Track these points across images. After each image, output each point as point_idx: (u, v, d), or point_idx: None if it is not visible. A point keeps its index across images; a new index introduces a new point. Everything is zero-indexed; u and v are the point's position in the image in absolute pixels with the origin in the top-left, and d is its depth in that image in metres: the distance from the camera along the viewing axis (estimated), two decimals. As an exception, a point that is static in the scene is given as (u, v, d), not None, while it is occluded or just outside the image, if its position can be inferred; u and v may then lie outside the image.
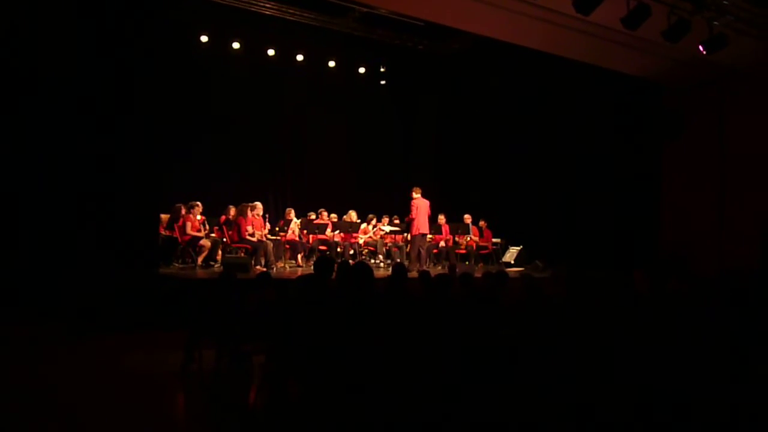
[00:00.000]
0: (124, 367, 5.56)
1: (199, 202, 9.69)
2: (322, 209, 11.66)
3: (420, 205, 10.36)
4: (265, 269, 9.15)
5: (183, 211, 9.57)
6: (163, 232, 9.49)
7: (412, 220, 10.42)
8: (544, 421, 3.29)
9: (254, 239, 9.63)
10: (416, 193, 10.46)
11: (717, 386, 3.14)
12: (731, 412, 3.08)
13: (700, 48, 8.15)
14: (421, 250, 10.52)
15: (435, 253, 12.02)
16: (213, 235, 10.14)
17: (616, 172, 11.26)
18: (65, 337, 6.57)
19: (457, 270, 8.69)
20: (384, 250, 11.80)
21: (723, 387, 3.15)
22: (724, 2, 7.78)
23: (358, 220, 11.70)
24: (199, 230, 9.64)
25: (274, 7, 11.48)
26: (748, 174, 9.76)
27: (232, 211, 10.05)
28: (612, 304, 4.14)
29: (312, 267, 5.99)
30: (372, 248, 11.87)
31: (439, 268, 11.35)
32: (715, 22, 7.99)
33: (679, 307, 4.23)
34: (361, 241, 11.65)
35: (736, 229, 9.84)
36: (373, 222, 11.99)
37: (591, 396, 3.28)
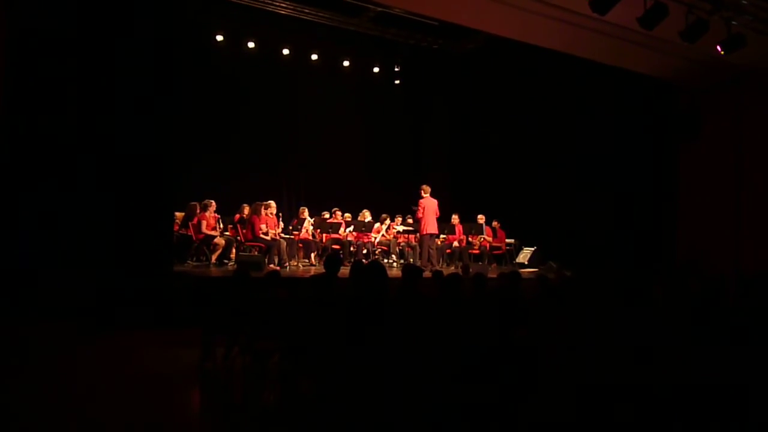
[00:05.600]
0: (138, 365, 5.60)
1: (213, 201, 9.75)
2: (336, 208, 11.70)
3: (427, 205, 10.36)
4: (277, 268, 9.19)
5: (197, 210, 9.64)
6: (177, 230, 9.56)
7: (420, 219, 10.44)
8: (558, 422, 3.28)
9: (268, 238, 9.69)
10: (424, 193, 10.47)
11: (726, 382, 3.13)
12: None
13: (718, 48, 8.08)
14: (431, 250, 10.52)
15: (448, 253, 12.01)
16: (227, 233, 10.20)
17: (632, 173, 11.18)
18: (79, 334, 6.62)
19: (470, 270, 8.68)
20: (397, 249, 11.81)
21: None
22: (743, 2, 7.70)
23: (372, 220, 11.71)
24: (213, 228, 9.70)
25: (290, 6, 11.53)
26: (766, 176, 9.65)
27: (246, 209, 10.11)
28: (625, 305, 4.12)
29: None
30: (385, 248, 11.89)
31: (453, 268, 11.33)
32: (734, 22, 7.90)
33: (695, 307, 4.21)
34: (374, 241, 11.67)
35: (753, 231, 9.74)
36: (387, 221, 12.00)
37: (607, 397, 3.27)
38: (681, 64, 9.52)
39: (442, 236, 11.52)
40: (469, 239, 12.09)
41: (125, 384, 5.02)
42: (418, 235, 11.57)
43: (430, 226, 10.38)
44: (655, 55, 9.22)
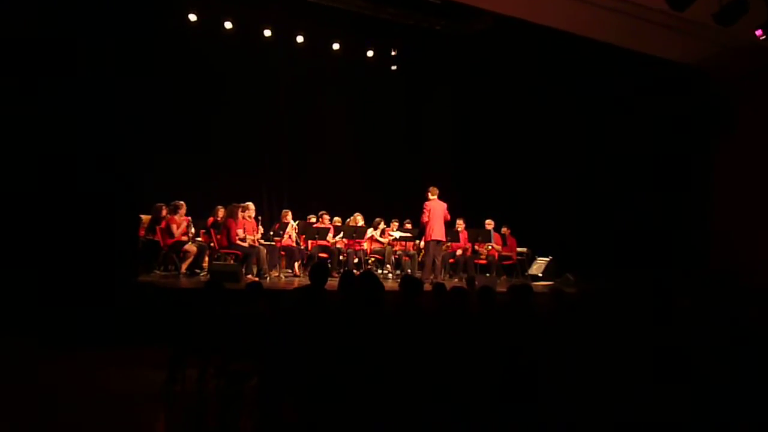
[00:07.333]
0: (99, 386, 5.60)
1: (183, 202, 9.74)
2: (323, 212, 11.68)
3: (434, 207, 10.37)
4: (257, 278, 9.19)
5: (164, 212, 9.63)
6: (143, 236, 9.54)
7: (425, 224, 10.45)
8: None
9: (245, 244, 9.68)
10: (432, 194, 10.48)
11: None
12: None
13: (758, 33, 8.12)
14: (436, 259, 10.54)
15: (451, 263, 12.02)
16: (199, 239, 10.19)
17: (660, 172, 11.22)
18: (34, 352, 6.61)
19: (476, 283, 8.70)
20: (393, 258, 11.80)
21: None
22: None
23: (364, 225, 11.70)
24: (184, 234, 9.69)
25: (272, -19, 11.56)
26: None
27: (221, 212, 10.10)
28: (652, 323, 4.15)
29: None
30: (379, 256, 11.88)
31: (456, 280, 11.34)
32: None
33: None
34: (366, 248, 11.67)
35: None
36: (381, 227, 12.00)
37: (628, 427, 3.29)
38: (713, 49, 9.57)
39: (445, 244, 11.51)
40: (475, 247, 12.10)
41: (85, 407, 5.01)
42: (418, 242, 11.58)
43: (437, 231, 10.38)
44: (683, 39, 9.28)
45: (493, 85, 13.94)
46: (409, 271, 11.36)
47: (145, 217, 9.68)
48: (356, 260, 11.18)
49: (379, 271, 11.68)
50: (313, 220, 11.61)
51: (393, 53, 14.15)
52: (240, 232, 9.71)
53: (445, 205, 10.52)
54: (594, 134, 12.10)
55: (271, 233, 10.97)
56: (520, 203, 12.87)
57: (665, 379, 3.47)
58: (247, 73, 12.79)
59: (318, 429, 3.92)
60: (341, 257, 11.11)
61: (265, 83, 13.05)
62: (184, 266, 9.54)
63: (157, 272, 9.52)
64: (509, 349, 4.07)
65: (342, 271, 10.28)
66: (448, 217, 10.67)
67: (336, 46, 13.46)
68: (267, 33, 12.63)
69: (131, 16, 8.29)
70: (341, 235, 11.38)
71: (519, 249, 12.50)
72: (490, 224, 12.10)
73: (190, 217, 9.98)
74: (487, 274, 11.68)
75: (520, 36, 11.40)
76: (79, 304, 7.12)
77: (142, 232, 9.55)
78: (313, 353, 3.93)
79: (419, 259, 11.58)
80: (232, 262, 9.70)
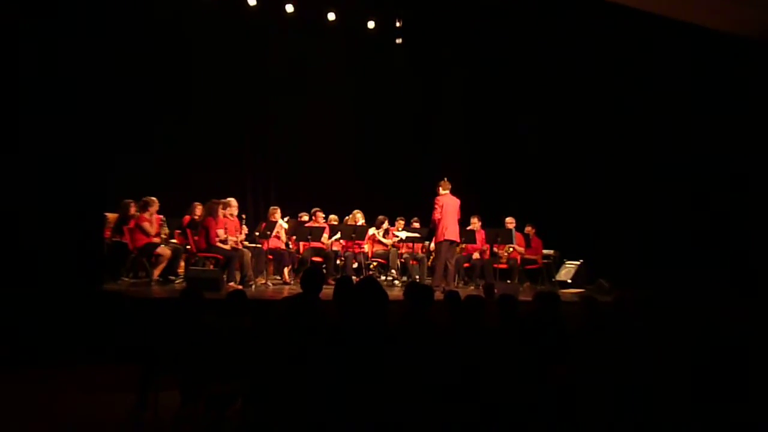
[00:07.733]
0: (59, 411, 5.60)
1: (155, 198, 9.74)
2: (317, 209, 11.67)
3: (446, 203, 10.33)
4: (240, 286, 9.19)
5: (133, 210, 9.63)
6: (109, 237, 9.55)
7: (436, 223, 10.41)
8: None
9: (227, 247, 9.68)
10: (443, 189, 10.42)
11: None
12: None
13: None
14: (449, 263, 10.52)
15: (466, 268, 12.01)
16: (174, 241, 10.19)
17: (714, 163, 11.17)
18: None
19: (495, 291, 8.70)
20: (398, 263, 11.80)
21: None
22: None
23: (365, 223, 11.69)
24: (156, 234, 9.69)
25: (256, -59, 11.55)
26: None
27: (199, 209, 10.10)
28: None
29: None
30: (382, 260, 11.88)
31: (472, 287, 11.34)
32: None
33: None
34: (367, 251, 11.67)
35: None
36: (385, 226, 12.00)
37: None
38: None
39: (460, 245, 11.47)
40: (494, 250, 12.09)
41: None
42: (428, 243, 11.55)
43: (450, 231, 10.31)
44: (740, 6, 9.22)
45: (514, 61, 13.90)
46: (417, 277, 11.36)
47: (110, 216, 9.69)
48: (355, 265, 11.19)
49: (383, 278, 11.69)
50: (306, 218, 11.61)
51: (397, 24, 14.11)
52: (221, 232, 9.71)
53: (458, 201, 10.45)
54: (631, 118, 12.05)
55: (257, 234, 10.98)
56: (545, 198, 12.84)
57: (714, 400, 3.47)
58: (228, 49, 12.76)
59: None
60: (338, 261, 11.12)
61: (249, 61, 13.05)
62: (156, 272, 9.54)
63: (126, 279, 9.52)
64: (534, 367, 4.06)
65: (339, 277, 10.27)
66: (459, 214, 10.61)
67: (331, 17, 13.43)
68: (251, 1, 12.60)
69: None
70: (338, 235, 11.39)
71: (545, 251, 12.47)
72: (511, 223, 12.05)
73: (162, 216, 9.99)
74: (508, 281, 11.68)
75: (543, 4, 11.36)
76: (34, 317, 7.12)
77: (108, 233, 9.55)
78: (304, 372, 3.93)
79: (429, 263, 11.58)
80: (211, 267, 9.69)
